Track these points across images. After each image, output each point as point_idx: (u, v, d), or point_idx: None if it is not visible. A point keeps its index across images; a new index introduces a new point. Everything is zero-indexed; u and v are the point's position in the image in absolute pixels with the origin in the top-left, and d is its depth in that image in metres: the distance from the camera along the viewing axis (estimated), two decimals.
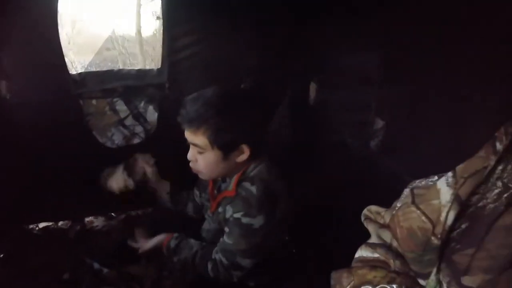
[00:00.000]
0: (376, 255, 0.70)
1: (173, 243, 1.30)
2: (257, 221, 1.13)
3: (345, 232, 1.42)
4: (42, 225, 2.05)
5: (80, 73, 1.73)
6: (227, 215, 1.19)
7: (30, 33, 1.46)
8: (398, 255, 0.67)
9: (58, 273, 1.67)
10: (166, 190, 1.47)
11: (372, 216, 0.78)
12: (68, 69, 1.62)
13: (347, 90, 1.51)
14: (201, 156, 1.14)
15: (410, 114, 1.23)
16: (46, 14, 1.45)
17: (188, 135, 1.12)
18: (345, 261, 0.80)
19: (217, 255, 1.22)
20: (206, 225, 1.42)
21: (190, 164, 1.19)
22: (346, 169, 1.52)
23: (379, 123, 1.35)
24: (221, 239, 1.22)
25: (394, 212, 0.68)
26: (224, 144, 1.11)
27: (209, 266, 1.23)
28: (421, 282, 0.62)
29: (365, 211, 0.81)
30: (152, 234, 1.41)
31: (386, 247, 0.70)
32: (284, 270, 1.45)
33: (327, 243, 1.60)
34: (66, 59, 1.61)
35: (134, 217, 2.18)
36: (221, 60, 1.77)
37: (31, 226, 2.03)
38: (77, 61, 5.76)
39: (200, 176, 1.23)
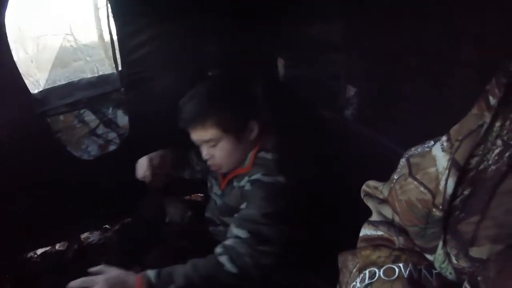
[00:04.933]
0: (379, 232, 0.66)
1: (152, 275, 1.04)
2: (280, 180, 1.10)
3: (338, 210, 1.41)
4: (40, 251, 2.03)
5: (41, 91, 1.68)
6: (243, 183, 1.15)
7: None
8: (401, 230, 0.64)
9: None
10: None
11: (371, 192, 0.74)
12: (28, 89, 1.56)
13: (315, 62, 1.47)
14: (217, 149, 1.15)
15: (382, 77, 1.20)
16: None
17: (197, 135, 1.14)
18: (345, 242, 0.77)
19: (228, 241, 1.07)
20: (211, 204, 1.38)
21: (208, 162, 1.19)
22: (328, 144, 1.49)
23: (351, 90, 1.31)
24: (236, 215, 1.12)
25: (391, 185, 0.64)
26: (235, 126, 1.13)
27: (226, 262, 1.03)
28: (428, 257, 0.58)
29: (363, 187, 0.76)
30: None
31: (388, 223, 0.66)
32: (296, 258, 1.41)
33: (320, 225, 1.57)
34: (31, 78, 1.56)
35: (127, 225, 2.16)
36: (181, 53, 1.74)
37: (29, 254, 2.01)
38: (43, 78, 5.62)
39: (222, 170, 1.22)
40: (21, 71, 1.50)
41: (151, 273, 1.04)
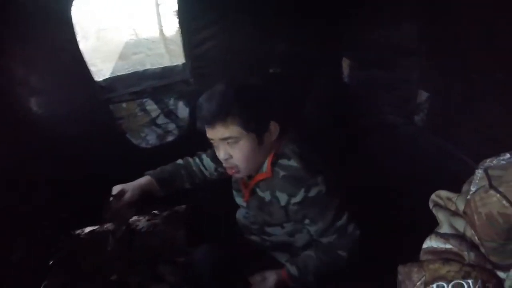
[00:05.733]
0: (448, 246, 0.63)
1: (292, 270, 1.22)
2: (321, 184, 1.10)
3: (392, 216, 1.36)
4: (88, 229, 2.09)
5: (106, 78, 1.75)
6: (283, 203, 1.15)
7: (50, 49, 1.48)
8: (473, 246, 0.60)
9: (106, 274, 1.70)
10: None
11: (442, 202, 0.70)
12: (94, 76, 1.64)
13: (384, 65, 1.41)
14: (236, 148, 1.11)
15: (456, 83, 1.13)
16: (62, 28, 1.47)
17: (216, 132, 1.10)
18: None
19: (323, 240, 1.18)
20: (241, 213, 1.40)
21: (225, 163, 1.16)
22: (392, 149, 1.44)
23: (423, 96, 1.24)
24: (310, 229, 1.19)
25: (468, 197, 0.60)
26: (257, 124, 1.10)
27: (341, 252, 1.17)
28: (501, 274, 0.56)
29: (433, 197, 0.72)
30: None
31: (460, 237, 0.62)
32: None
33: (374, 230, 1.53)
34: (94, 68, 1.63)
35: (177, 212, 2.19)
36: (245, 49, 1.75)
37: (77, 232, 2.07)
38: (105, 68, 5.90)
39: (239, 174, 1.18)
40: None
41: (291, 268, 1.22)
